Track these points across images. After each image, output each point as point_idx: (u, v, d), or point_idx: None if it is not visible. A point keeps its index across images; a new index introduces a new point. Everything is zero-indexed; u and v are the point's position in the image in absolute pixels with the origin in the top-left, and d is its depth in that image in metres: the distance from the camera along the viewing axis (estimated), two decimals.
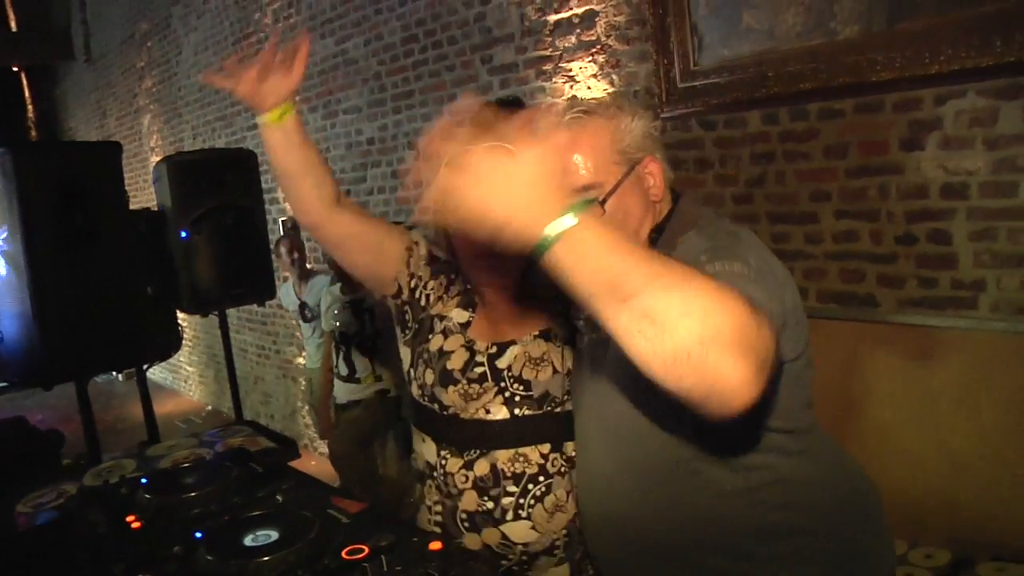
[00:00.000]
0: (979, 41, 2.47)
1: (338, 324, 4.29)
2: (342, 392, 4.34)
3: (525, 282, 1.64)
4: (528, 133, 1.00)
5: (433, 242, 1.74)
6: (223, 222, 3.51)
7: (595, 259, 0.92)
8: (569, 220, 0.92)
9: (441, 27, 4.56)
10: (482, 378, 1.62)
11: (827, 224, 2.94)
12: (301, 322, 5.27)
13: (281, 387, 7.06)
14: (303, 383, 6.07)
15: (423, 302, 1.72)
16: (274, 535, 1.38)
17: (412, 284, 1.72)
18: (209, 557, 1.33)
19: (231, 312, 4.10)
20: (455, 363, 1.64)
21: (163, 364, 9.41)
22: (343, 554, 1.30)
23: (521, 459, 1.59)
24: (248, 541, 1.38)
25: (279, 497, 1.58)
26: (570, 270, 0.93)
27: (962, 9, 2.50)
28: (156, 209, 3.59)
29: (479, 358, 1.64)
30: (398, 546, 1.29)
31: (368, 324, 4.21)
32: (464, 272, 1.71)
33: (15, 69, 11.72)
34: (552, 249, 0.92)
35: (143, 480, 1.77)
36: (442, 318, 1.70)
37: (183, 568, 1.32)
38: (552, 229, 0.92)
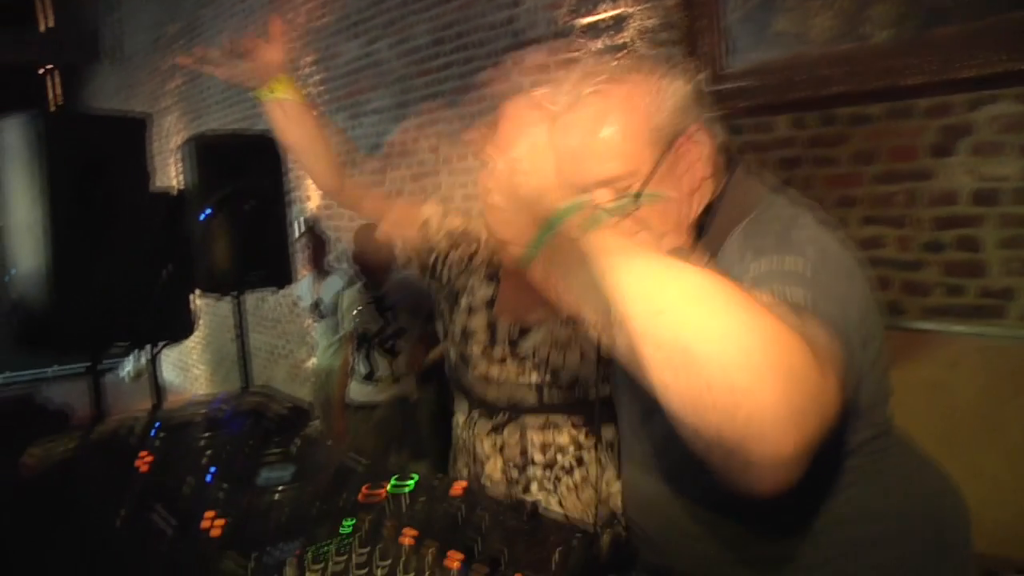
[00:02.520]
0: (1013, 46, 2.45)
1: (358, 323, 4.24)
2: (359, 393, 4.27)
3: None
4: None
5: (446, 214, 1.73)
6: (244, 205, 3.50)
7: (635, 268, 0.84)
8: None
9: (470, 30, 4.58)
10: (502, 361, 1.59)
11: (853, 230, 2.90)
12: (315, 320, 5.26)
13: (291, 389, 7.02)
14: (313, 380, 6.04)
15: (445, 276, 1.70)
16: (289, 473, 1.35)
17: (431, 261, 1.70)
18: (222, 489, 1.29)
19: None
20: (476, 346, 1.62)
21: (173, 362, 9.42)
22: (361, 492, 1.26)
23: (551, 435, 1.55)
24: (263, 477, 1.35)
25: (293, 447, 1.55)
26: (604, 269, 0.86)
27: (997, 14, 2.49)
28: (177, 192, 3.59)
29: (499, 338, 1.60)
30: (418, 488, 1.26)
31: (390, 323, 4.16)
32: (492, 246, 1.67)
33: (43, 69, 11.84)
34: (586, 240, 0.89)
35: (152, 431, 1.73)
36: (466, 291, 1.66)
37: (194, 500, 1.29)
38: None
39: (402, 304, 4.13)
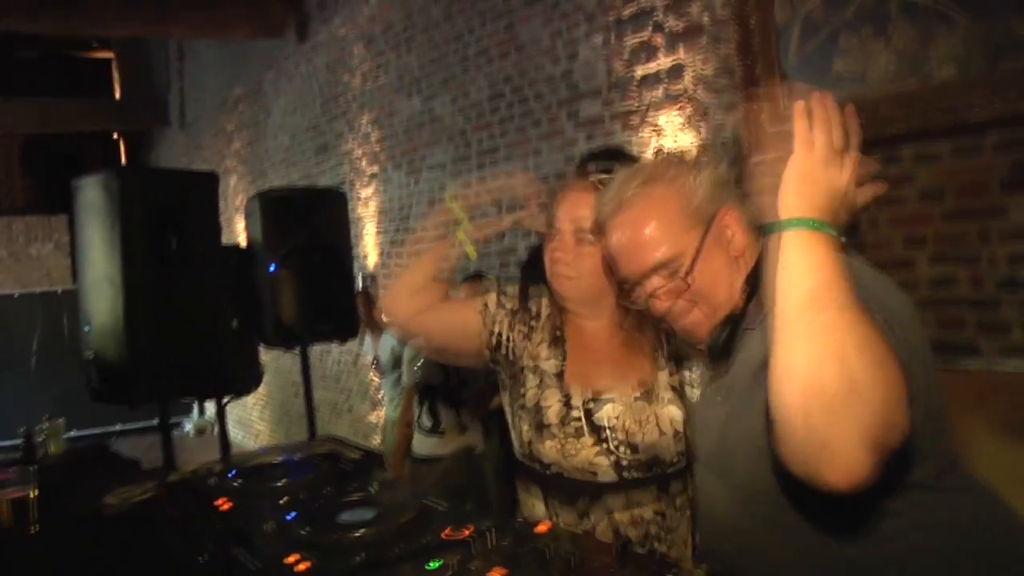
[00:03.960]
0: None
1: (420, 376, 4.25)
2: (424, 446, 4.25)
3: (621, 322, 1.64)
4: None
5: (503, 291, 1.76)
6: (310, 259, 3.57)
7: (819, 259, 0.99)
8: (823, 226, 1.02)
9: (527, 83, 4.66)
10: (579, 432, 1.57)
11: (922, 270, 2.85)
12: (378, 376, 5.33)
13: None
14: (379, 438, 6.08)
15: (510, 356, 1.69)
16: (370, 515, 1.35)
17: (495, 342, 1.71)
18: (304, 531, 1.30)
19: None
20: (551, 416, 1.59)
21: (234, 418, 9.54)
22: (443, 534, 1.26)
23: (635, 511, 1.55)
24: (343, 518, 1.35)
25: (371, 489, 1.55)
26: (797, 256, 1.00)
27: None
28: (246, 245, 3.68)
29: (575, 411, 1.59)
30: (502, 528, 1.25)
31: (452, 375, 4.16)
32: (555, 314, 1.70)
33: (116, 136, 12.35)
34: (794, 230, 1.02)
35: (231, 473, 1.76)
36: (534, 368, 1.66)
37: (276, 542, 1.29)
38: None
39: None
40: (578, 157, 3.30)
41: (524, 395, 1.64)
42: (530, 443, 1.61)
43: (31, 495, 1.73)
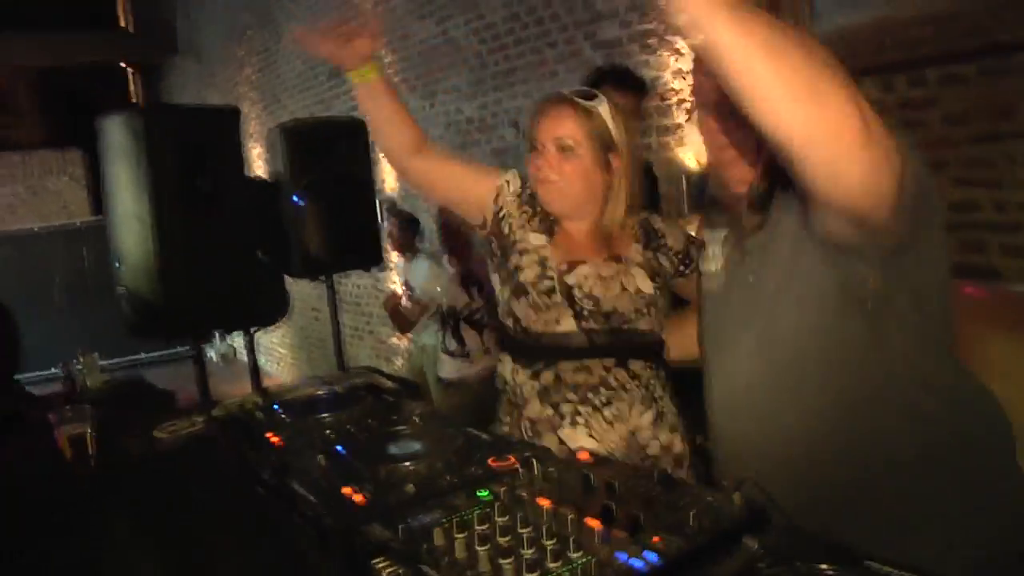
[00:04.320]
0: None
1: (444, 300, 4.31)
2: (450, 367, 4.34)
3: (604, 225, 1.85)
4: None
5: (522, 178, 1.92)
6: (333, 189, 3.60)
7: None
8: None
9: (544, 4, 4.59)
10: (551, 291, 1.77)
11: (946, 193, 2.85)
12: (407, 300, 5.37)
13: (378, 366, 7.19)
14: (400, 360, 6.18)
15: (506, 230, 1.88)
16: (418, 446, 1.42)
17: (500, 216, 1.89)
18: (356, 463, 1.36)
19: (324, 292, 4.18)
20: (527, 276, 1.80)
21: (257, 346, 9.69)
22: (489, 462, 1.32)
23: (584, 370, 1.75)
24: (391, 451, 1.41)
25: (416, 419, 1.61)
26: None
27: None
28: (270, 178, 3.71)
29: (549, 272, 1.79)
30: (546, 457, 1.31)
31: (476, 297, 4.22)
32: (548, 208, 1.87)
33: (124, 65, 12.24)
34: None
35: (275, 406, 1.82)
36: (523, 247, 1.85)
37: (330, 474, 1.36)
38: None
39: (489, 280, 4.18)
40: (592, 72, 3.29)
41: (509, 264, 1.85)
42: (508, 300, 1.84)
43: (88, 431, 1.81)
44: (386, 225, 5.27)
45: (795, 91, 1.05)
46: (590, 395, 1.75)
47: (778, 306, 1.36)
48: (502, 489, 1.18)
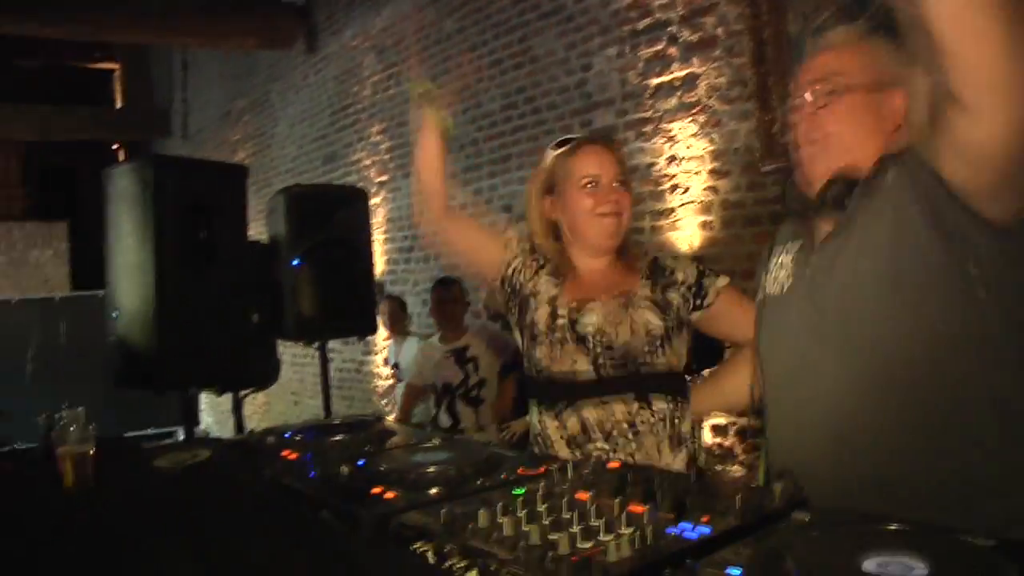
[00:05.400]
0: None
1: (437, 377, 4.30)
2: None
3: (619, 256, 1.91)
4: None
5: (522, 236, 2.00)
6: (332, 256, 3.63)
7: None
8: None
9: (541, 93, 4.76)
10: (563, 331, 1.80)
11: None
12: (396, 381, 5.39)
13: None
14: None
15: (518, 286, 1.94)
16: (445, 455, 1.41)
17: (509, 272, 1.95)
18: (382, 468, 1.35)
19: (304, 377, 4.16)
20: (539, 318, 1.85)
21: (233, 427, 9.50)
22: (519, 471, 1.32)
23: (605, 408, 1.75)
24: (418, 458, 1.40)
25: (436, 441, 1.60)
26: None
27: None
28: (269, 240, 3.74)
29: (560, 313, 1.83)
30: (576, 465, 1.30)
31: (472, 373, 4.21)
32: (560, 254, 1.92)
33: (117, 145, 12.38)
34: None
35: (286, 435, 1.80)
36: (535, 293, 1.89)
37: (356, 480, 1.34)
38: None
39: (483, 354, 4.20)
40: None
41: (526, 316, 1.88)
42: (528, 349, 1.87)
43: (90, 451, 1.77)
44: (382, 306, 5.31)
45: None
46: (619, 440, 1.74)
47: (866, 310, 1.30)
48: (539, 486, 1.17)
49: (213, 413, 8.34)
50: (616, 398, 1.76)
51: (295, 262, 3.55)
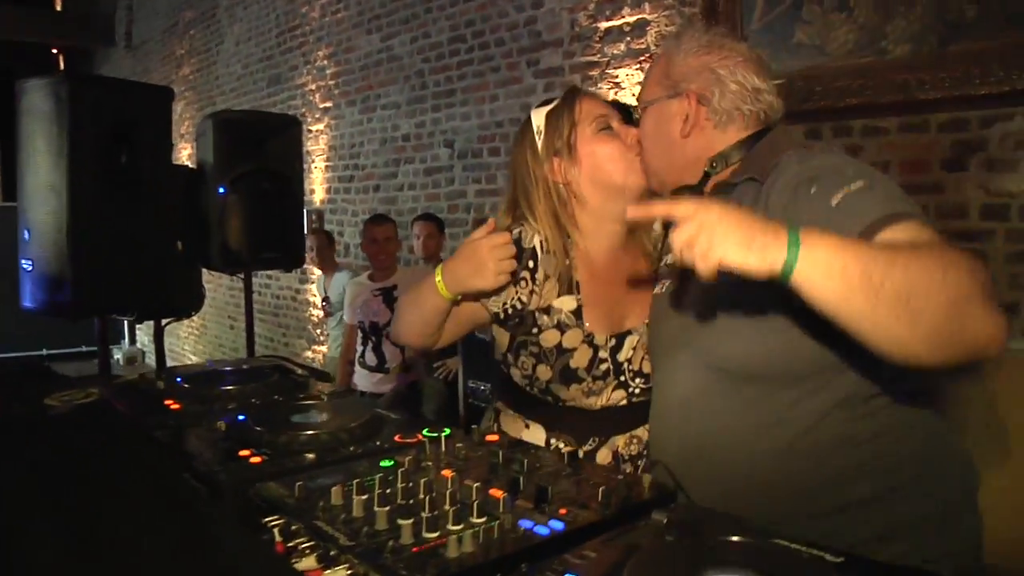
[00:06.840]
0: None
1: (365, 315, 4.25)
2: (368, 382, 4.25)
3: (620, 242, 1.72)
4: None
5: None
6: (261, 185, 3.52)
7: (838, 261, 0.98)
8: (794, 240, 0.99)
9: (490, 28, 4.63)
10: (606, 374, 1.63)
11: None
12: (327, 315, 5.33)
13: None
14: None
15: (517, 317, 1.64)
16: (323, 417, 1.38)
17: (502, 316, 1.65)
18: (256, 428, 1.32)
19: (241, 303, 4.08)
20: (579, 361, 1.61)
21: (166, 350, 9.39)
22: (396, 438, 1.29)
23: (635, 440, 1.65)
24: (296, 419, 1.37)
25: (323, 397, 1.57)
26: (822, 279, 0.99)
27: (1015, 32, 2.55)
28: (196, 167, 3.61)
29: (602, 354, 1.63)
30: (452, 436, 1.29)
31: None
32: (559, 258, 1.65)
33: (56, 49, 11.86)
34: (796, 270, 0.98)
35: (178, 379, 1.76)
36: (547, 310, 1.63)
37: (228, 439, 1.31)
38: (789, 255, 0.98)
39: None
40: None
41: (538, 336, 1.63)
42: (549, 382, 1.63)
43: None
44: (307, 242, 5.21)
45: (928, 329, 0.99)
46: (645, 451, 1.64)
47: (723, 320, 1.32)
48: (406, 459, 1.16)
49: (150, 332, 8.22)
50: (643, 426, 1.64)
51: (221, 190, 3.44)
